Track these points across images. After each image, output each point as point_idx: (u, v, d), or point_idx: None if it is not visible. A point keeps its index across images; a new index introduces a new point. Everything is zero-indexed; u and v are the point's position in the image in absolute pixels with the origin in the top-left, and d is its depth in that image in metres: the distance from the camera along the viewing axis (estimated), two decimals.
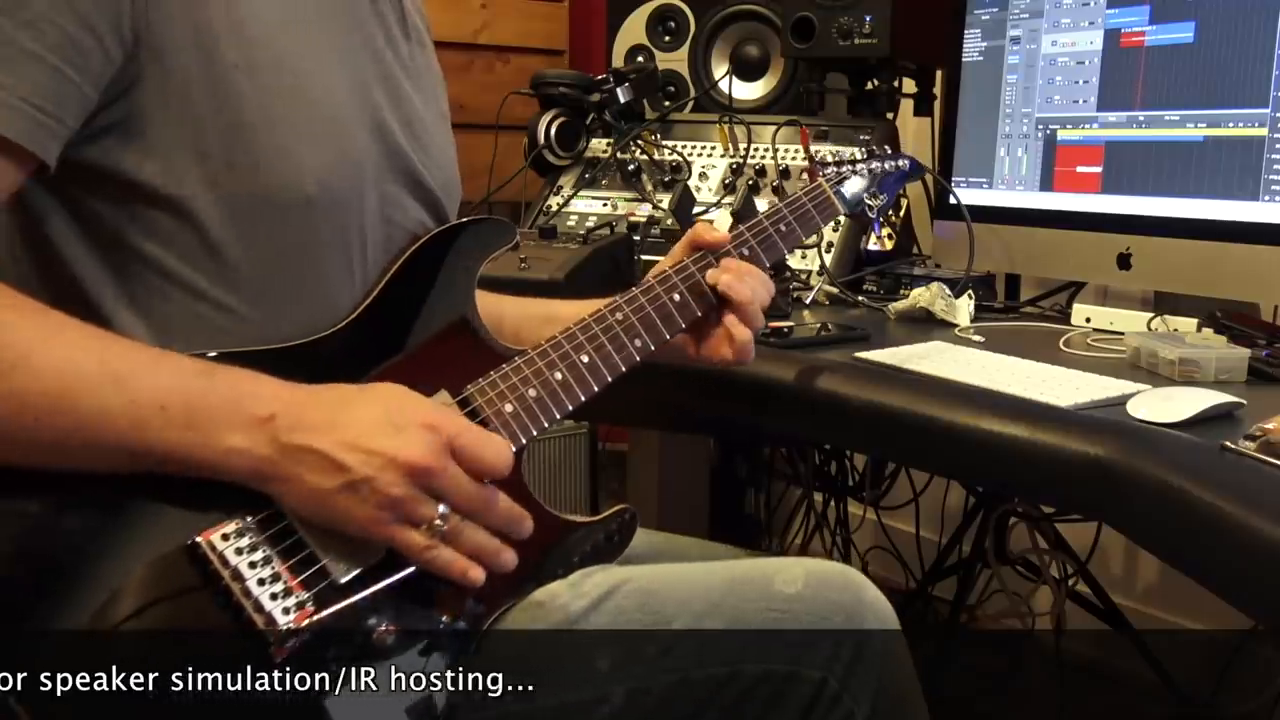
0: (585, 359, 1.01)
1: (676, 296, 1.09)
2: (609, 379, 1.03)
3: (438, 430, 0.86)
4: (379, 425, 0.85)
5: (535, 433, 0.98)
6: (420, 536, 0.86)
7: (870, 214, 1.34)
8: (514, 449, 0.96)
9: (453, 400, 0.95)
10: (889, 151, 1.39)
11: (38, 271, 0.91)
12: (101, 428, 0.80)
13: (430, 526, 0.86)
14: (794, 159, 1.84)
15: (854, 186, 1.31)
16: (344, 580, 0.87)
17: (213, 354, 0.88)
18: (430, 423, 0.86)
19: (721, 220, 1.72)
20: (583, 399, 1.01)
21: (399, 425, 0.85)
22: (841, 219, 1.73)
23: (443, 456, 0.86)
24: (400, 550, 0.87)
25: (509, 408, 0.97)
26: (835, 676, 0.92)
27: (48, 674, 0.78)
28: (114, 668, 0.80)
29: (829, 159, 1.32)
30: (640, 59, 2.20)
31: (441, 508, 0.86)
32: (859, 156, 1.34)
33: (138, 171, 0.88)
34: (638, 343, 1.05)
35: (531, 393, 0.98)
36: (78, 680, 0.79)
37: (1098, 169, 1.55)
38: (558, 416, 0.99)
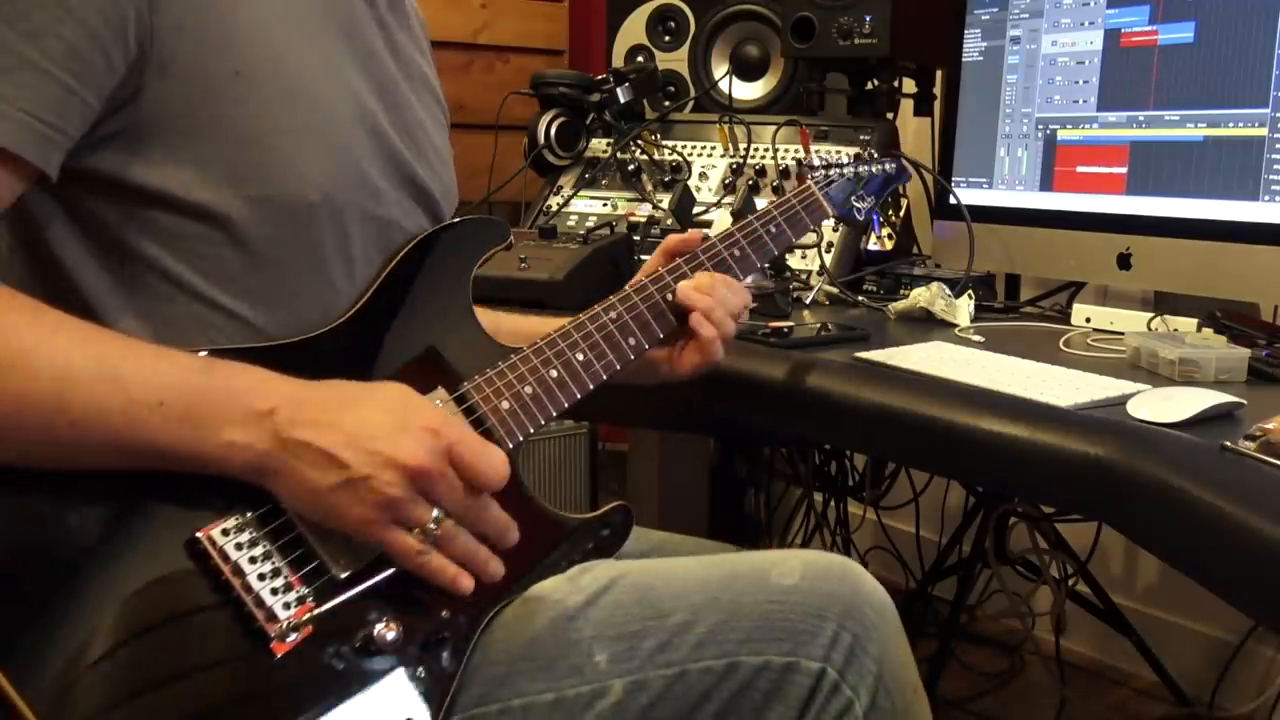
0: (580, 357, 1.02)
1: (669, 296, 1.10)
2: (604, 376, 1.04)
3: (439, 435, 0.86)
4: (382, 426, 0.85)
5: (532, 430, 0.98)
6: (412, 541, 0.86)
7: (858, 216, 1.36)
8: (511, 446, 0.97)
9: (450, 397, 0.96)
10: (875, 155, 1.40)
11: (37, 274, 0.91)
12: (98, 426, 0.80)
13: (423, 530, 0.86)
14: (794, 159, 1.84)
15: (842, 189, 1.33)
16: (344, 575, 0.87)
17: (203, 351, 0.88)
18: (433, 427, 0.86)
19: (721, 220, 1.73)
20: (578, 396, 1.02)
21: (402, 427, 0.85)
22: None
23: (442, 461, 0.86)
24: (392, 554, 0.87)
25: (506, 405, 0.97)
26: (834, 666, 0.92)
27: (49, 669, 0.78)
28: (114, 663, 0.79)
29: (816, 162, 1.33)
30: (640, 59, 2.20)
31: (435, 511, 0.86)
32: (846, 160, 1.36)
33: (140, 177, 0.88)
34: (631, 341, 1.06)
35: (528, 390, 0.99)
36: (78, 676, 0.78)
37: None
38: (553, 414, 1.00)
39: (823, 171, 1.31)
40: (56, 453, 0.81)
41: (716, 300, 1.10)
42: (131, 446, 0.81)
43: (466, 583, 0.89)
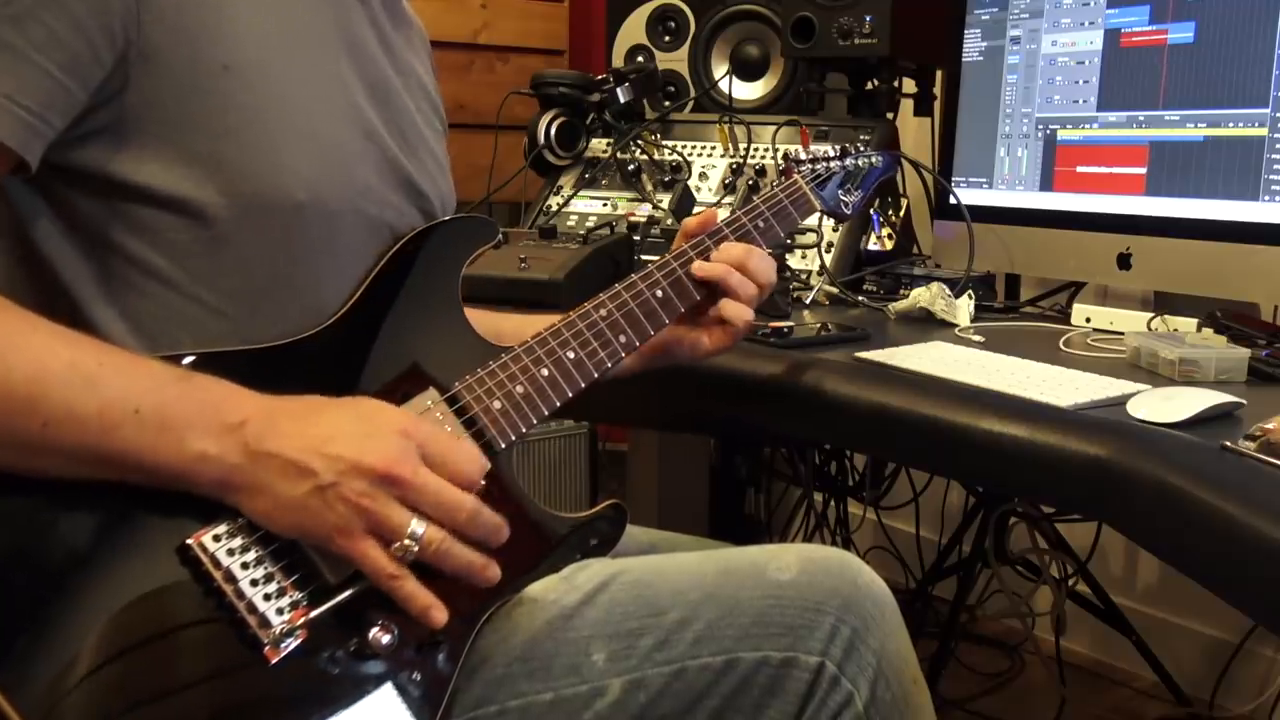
0: (571, 355, 1.02)
1: (659, 292, 1.10)
2: (595, 375, 1.03)
3: (408, 435, 0.85)
4: (349, 431, 0.84)
5: (524, 429, 0.98)
6: (387, 561, 0.83)
7: (846, 210, 1.35)
8: (503, 446, 0.96)
9: (440, 398, 0.95)
10: (863, 150, 1.39)
11: (21, 270, 0.90)
12: (70, 430, 0.79)
13: (401, 546, 0.83)
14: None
15: (830, 183, 1.32)
16: (336, 579, 0.86)
17: (190, 356, 0.87)
18: (401, 428, 0.85)
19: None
20: (570, 395, 1.01)
21: (369, 431, 0.84)
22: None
23: (412, 462, 0.84)
24: (366, 572, 0.84)
25: (497, 405, 0.97)
26: (833, 660, 0.91)
27: (41, 678, 0.77)
28: (106, 672, 0.79)
29: (803, 156, 1.32)
30: (640, 59, 2.20)
31: (415, 527, 0.83)
32: (833, 154, 1.35)
33: (126, 173, 0.87)
34: (622, 339, 1.06)
35: (519, 389, 0.98)
36: (70, 685, 0.78)
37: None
38: (545, 413, 1.00)
39: (809, 165, 1.31)
40: (29, 457, 0.79)
41: (740, 274, 1.12)
42: (104, 454, 0.80)
43: (439, 616, 0.86)
